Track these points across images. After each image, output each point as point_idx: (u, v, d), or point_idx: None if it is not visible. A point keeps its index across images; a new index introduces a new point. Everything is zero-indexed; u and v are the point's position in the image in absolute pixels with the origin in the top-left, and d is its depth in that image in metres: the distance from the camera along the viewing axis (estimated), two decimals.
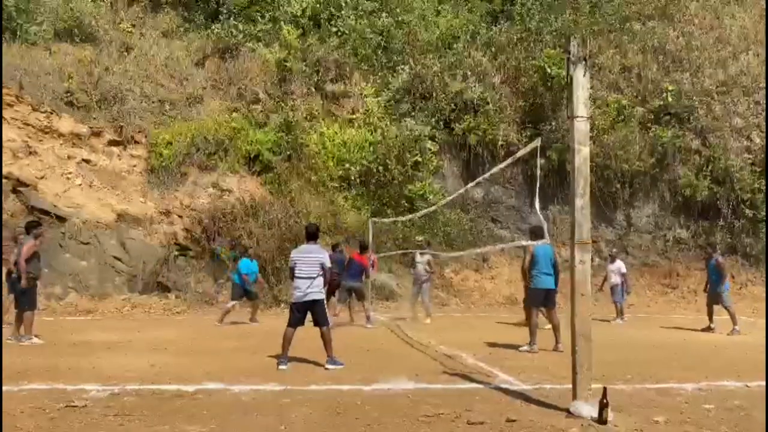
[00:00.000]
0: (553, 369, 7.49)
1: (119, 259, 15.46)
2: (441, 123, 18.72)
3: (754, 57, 20.11)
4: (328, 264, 8.04)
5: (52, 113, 16.58)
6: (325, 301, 8.11)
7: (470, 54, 19.64)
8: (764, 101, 19.11)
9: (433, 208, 14.11)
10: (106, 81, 17.89)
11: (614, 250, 15.74)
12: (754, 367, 7.73)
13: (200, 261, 16.11)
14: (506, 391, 6.44)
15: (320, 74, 19.37)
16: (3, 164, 15.19)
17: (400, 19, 20.17)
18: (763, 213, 18.15)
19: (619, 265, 13.98)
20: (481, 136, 18.36)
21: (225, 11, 20.55)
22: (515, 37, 19.92)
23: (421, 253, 13.68)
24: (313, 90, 19.14)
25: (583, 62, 5.47)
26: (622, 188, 18.77)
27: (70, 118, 16.80)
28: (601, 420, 5.13)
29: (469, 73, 19.22)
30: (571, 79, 5.47)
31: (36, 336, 9.79)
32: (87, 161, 16.55)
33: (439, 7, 21.39)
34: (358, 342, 9.98)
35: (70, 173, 16.19)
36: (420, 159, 17.99)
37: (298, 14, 20.24)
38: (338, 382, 6.88)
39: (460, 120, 18.60)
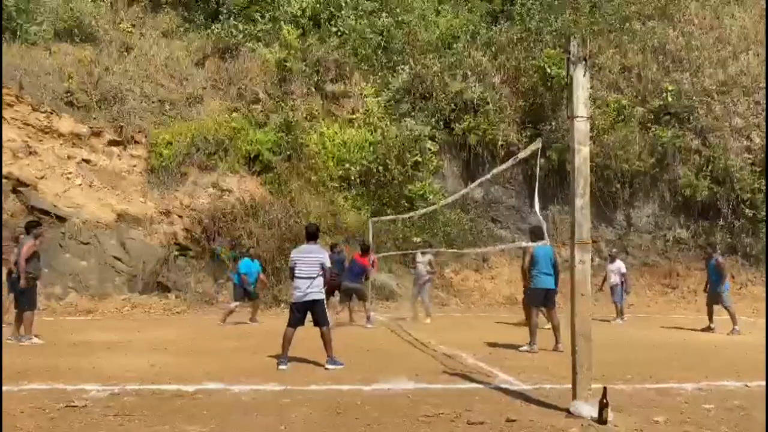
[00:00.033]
0: (553, 369, 7.49)
1: (119, 259, 15.46)
2: (441, 123, 18.72)
3: (754, 57, 20.11)
4: (328, 264, 8.04)
5: (52, 113, 16.58)
6: (325, 301, 8.12)
7: (470, 54, 19.64)
8: (764, 101, 19.10)
9: (434, 207, 14.12)
10: (106, 81, 17.89)
11: (614, 250, 15.73)
12: (754, 367, 7.73)
13: (200, 261, 16.11)
14: (506, 391, 6.43)
15: (320, 74, 19.37)
16: (3, 164, 15.19)
17: (400, 19, 20.16)
18: (763, 213, 18.15)
19: (619, 265, 13.98)
20: (481, 136, 18.36)
21: (225, 11, 20.55)
22: (515, 37, 19.92)
23: (422, 253, 13.68)
24: (313, 90, 19.14)
25: (583, 62, 5.46)
26: (622, 188, 18.77)
27: (70, 118, 16.80)
28: (601, 420, 5.13)
29: (469, 73, 19.22)
30: (571, 79, 5.47)
31: (36, 336, 9.79)
32: (87, 161, 16.56)
33: (439, 7, 21.38)
34: (358, 342, 9.98)
35: (70, 173, 16.19)
36: (420, 159, 17.99)
37: (298, 14, 20.24)
38: (338, 382, 6.88)
39: (460, 120, 18.60)
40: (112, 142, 17.04)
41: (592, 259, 5.98)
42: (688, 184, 18.52)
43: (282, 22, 19.90)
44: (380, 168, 17.65)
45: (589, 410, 5.27)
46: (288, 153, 17.54)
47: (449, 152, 18.93)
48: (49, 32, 18.91)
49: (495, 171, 8.24)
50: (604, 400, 5.14)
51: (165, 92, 18.52)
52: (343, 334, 9.95)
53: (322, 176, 17.48)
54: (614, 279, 13.72)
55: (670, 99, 19.05)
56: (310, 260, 7.89)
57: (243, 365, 7.87)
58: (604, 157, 18.05)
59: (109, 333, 10.90)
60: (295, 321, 7.94)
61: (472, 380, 7.03)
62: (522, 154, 7.16)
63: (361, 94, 18.97)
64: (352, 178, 17.65)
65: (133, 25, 20.15)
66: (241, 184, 17.03)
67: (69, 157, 16.36)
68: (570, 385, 5.55)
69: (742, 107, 19.59)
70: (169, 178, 16.85)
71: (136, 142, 17.20)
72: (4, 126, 15.60)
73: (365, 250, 12.83)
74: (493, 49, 20.01)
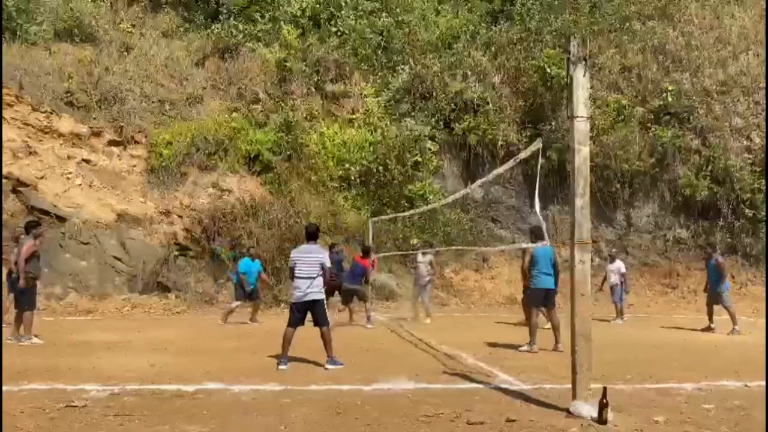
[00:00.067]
0: (553, 369, 7.49)
1: (119, 259, 15.46)
2: (441, 123, 18.72)
3: (754, 57, 20.11)
4: (328, 264, 8.04)
5: (52, 113, 16.58)
6: (325, 301, 8.12)
7: (470, 54, 19.64)
8: (764, 101, 19.11)
9: (434, 205, 14.12)
10: (106, 81, 17.89)
11: (614, 250, 15.74)
12: (754, 367, 7.73)
13: (200, 261, 16.11)
14: (506, 391, 6.44)
15: (320, 74, 19.37)
16: (3, 164, 15.19)
17: (400, 19, 20.16)
18: (763, 213, 18.15)
19: (619, 264, 13.99)
20: (481, 136, 18.36)
21: (225, 11, 20.56)
22: (515, 37, 19.91)
23: (423, 253, 13.69)
24: (313, 90, 19.14)
25: (583, 62, 5.47)
26: (622, 188, 18.77)
27: (70, 118, 16.80)
28: (601, 420, 5.13)
29: (469, 73, 19.22)
30: (571, 79, 5.47)
31: (36, 336, 9.79)
32: (87, 161, 16.56)
33: (439, 7, 21.39)
34: (358, 342, 9.98)
35: (70, 173, 16.19)
36: (420, 159, 17.99)
37: (298, 14, 20.24)
38: (338, 382, 6.88)
39: (460, 120, 18.60)
40: (112, 142, 17.04)
41: (592, 259, 5.98)
42: (688, 184, 18.52)
43: (282, 22, 19.90)
44: (380, 168, 17.65)
45: (589, 410, 5.27)
46: (288, 153, 17.55)
47: (449, 152, 18.93)
48: (49, 32, 18.91)
49: (495, 172, 8.25)
50: (604, 400, 5.14)
51: (165, 92, 18.52)
52: (343, 334, 9.95)
53: (322, 176, 17.48)
54: (614, 279, 13.72)
55: (670, 99, 19.04)
56: (310, 260, 7.89)
57: (243, 365, 7.87)
58: (604, 157, 18.05)
59: (109, 333, 10.90)
60: (295, 321, 7.94)
61: (472, 380, 7.03)
62: (522, 155, 7.16)
63: (361, 94, 18.97)
64: (352, 178, 17.66)
65: (133, 25, 20.15)
66: (241, 184, 17.04)
67: (69, 157, 16.36)
68: (570, 385, 5.55)
69: (742, 107, 19.59)
70: (169, 178, 16.85)
71: (136, 142, 17.20)
72: (4, 126, 15.60)
73: (366, 252, 12.92)
74: (493, 49, 20.00)
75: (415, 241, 15.02)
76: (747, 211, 18.25)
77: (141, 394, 6.23)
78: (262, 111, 18.46)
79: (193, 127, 17.34)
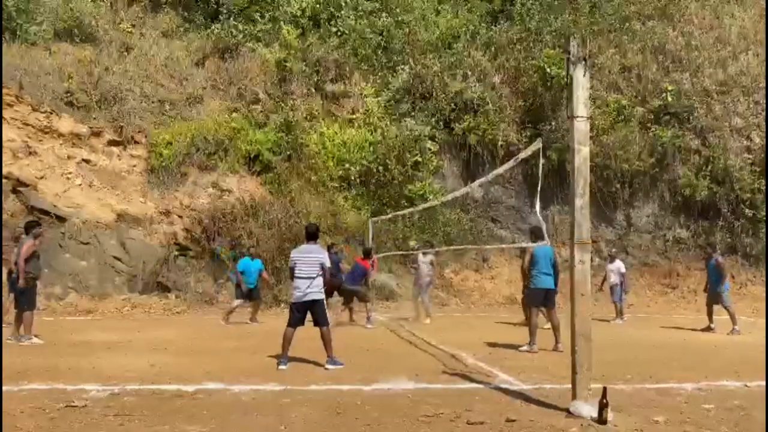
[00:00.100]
0: (553, 369, 7.49)
1: (119, 259, 15.46)
2: (441, 123, 18.72)
3: (754, 57, 20.11)
4: (328, 264, 8.04)
5: (52, 113, 16.58)
6: (325, 301, 8.12)
7: (470, 54, 19.64)
8: (764, 101, 19.11)
9: (433, 203, 14.11)
10: (106, 81, 17.88)
11: (614, 249, 15.74)
12: (754, 367, 7.73)
13: (200, 261, 16.11)
14: (506, 391, 6.44)
15: (320, 74, 19.37)
16: (3, 164, 15.19)
17: (400, 19, 20.17)
18: (763, 213, 18.15)
19: (619, 264, 13.99)
20: (481, 136, 18.36)
21: (225, 11, 20.55)
22: (515, 37, 19.92)
23: (423, 253, 13.71)
24: (313, 90, 19.14)
25: (583, 62, 5.47)
26: (622, 188, 18.77)
27: (70, 118, 16.80)
28: (601, 420, 5.13)
29: (469, 73, 19.22)
30: (571, 79, 5.47)
31: (36, 336, 9.79)
32: (87, 161, 16.56)
33: (439, 7, 21.39)
34: (358, 342, 9.98)
35: (70, 173, 16.19)
36: (420, 159, 17.99)
37: (298, 14, 20.24)
38: (338, 382, 6.88)
39: (460, 120, 18.60)
40: (112, 142, 17.04)
41: (592, 259, 5.98)
42: (687, 184, 18.52)
43: (282, 22, 19.90)
44: (380, 168, 17.65)
45: (589, 410, 5.27)
46: (288, 153, 17.54)
47: (449, 152, 18.93)
48: (49, 32, 18.90)
49: (495, 172, 8.25)
50: (604, 400, 5.14)
51: (165, 92, 18.52)
52: (343, 334, 9.95)
53: (322, 176, 17.48)
54: (614, 279, 13.72)
55: (670, 99, 19.05)
56: (310, 260, 7.89)
57: (243, 365, 7.87)
58: (604, 157, 18.05)
59: (109, 333, 10.90)
60: (295, 321, 7.94)
61: (472, 380, 7.04)
62: (522, 154, 7.17)
63: (361, 94, 18.97)
64: (352, 178, 17.66)
65: (133, 25, 20.14)
66: (241, 184, 17.03)
67: (69, 157, 16.36)
68: (570, 385, 5.55)
69: (742, 107, 19.59)
70: (169, 178, 16.85)
71: (136, 142, 17.20)
72: (4, 126, 15.60)
73: (367, 254, 13.02)
74: (493, 49, 20.01)
75: (413, 242, 15.03)
76: (747, 211, 18.25)
77: (141, 394, 6.23)
78: (262, 111, 18.46)
79: (193, 127, 17.33)
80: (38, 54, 18.13)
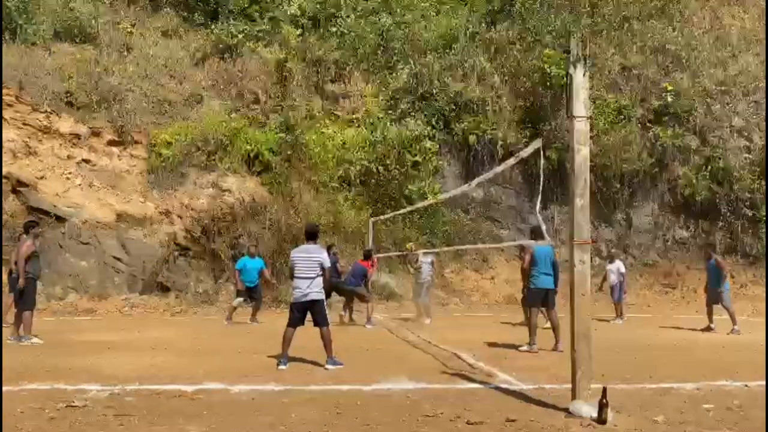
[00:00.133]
0: (553, 369, 7.48)
1: (119, 259, 15.46)
2: (441, 123, 18.73)
3: (754, 57, 20.11)
4: (328, 264, 8.03)
5: (51, 113, 16.58)
6: (324, 302, 8.11)
7: (470, 54, 19.64)
8: (764, 101, 19.11)
9: (430, 202, 14.11)
10: (106, 81, 17.87)
11: (613, 249, 15.74)
12: (754, 367, 7.72)
13: (200, 261, 16.12)
14: (506, 391, 6.43)
15: (320, 74, 19.37)
16: (3, 164, 15.19)
17: (399, 19, 20.17)
18: (763, 213, 18.16)
19: (618, 264, 13.99)
20: (481, 136, 18.37)
21: (225, 11, 20.54)
22: (515, 37, 19.92)
23: (424, 253, 13.73)
24: (313, 90, 19.14)
25: (583, 62, 5.46)
26: (622, 188, 18.78)
27: (69, 118, 16.80)
28: (601, 420, 5.13)
29: (469, 73, 19.22)
30: (571, 79, 5.47)
31: (36, 336, 9.79)
32: (87, 161, 16.56)
33: (439, 7, 21.39)
34: (358, 342, 9.98)
35: (69, 173, 16.19)
36: (420, 159, 17.99)
37: (298, 14, 20.23)
38: (338, 382, 6.88)
39: (460, 120, 18.61)
40: (112, 142, 17.04)
41: (592, 260, 5.98)
42: (687, 184, 18.53)
43: (282, 22, 19.89)
44: (380, 168, 17.66)
45: (589, 410, 5.27)
46: (288, 153, 17.53)
47: (449, 152, 18.94)
48: (49, 32, 18.89)
49: (494, 171, 8.26)
50: (604, 400, 5.14)
51: (165, 92, 18.51)
52: (343, 334, 9.95)
53: (322, 176, 17.48)
54: (614, 279, 13.72)
55: (669, 99, 19.05)
56: (310, 260, 7.89)
57: (243, 365, 7.87)
58: (604, 157, 18.04)
59: (109, 333, 10.90)
60: (295, 321, 7.94)
61: (472, 380, 7.03)
62: (522, 153, 7.18)
63: (361, 94, 18.96)
64: (352, 178, 17.66)
65: (133, 25, 20.13)
66: (241, 184, 17.03)
67: (69, 157, 16.36)
68: (570, 385, 5.55)
69: (741, 107, 19.60)
70: (169, 178, 16.85)
71: (136, 142, 17.19)
72: (4, 126, 15.60)
73: (367, 256, 13.11)
74: (493, 49, 20.01)
75: (410, 245, 15.04)
76: (747, 211, 18.26)
77: (141, 394, 6.23)
78: (262, 111, 18.46)
79: (193, 127, 17.34)
80: (38, 54, 18.12)
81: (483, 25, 20.57)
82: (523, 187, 18.75)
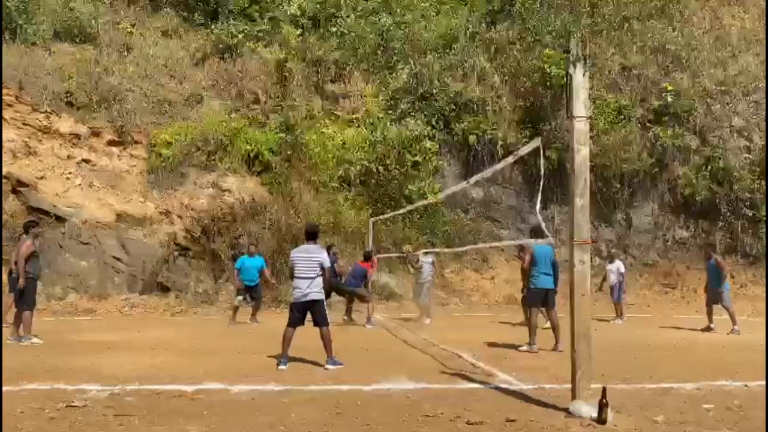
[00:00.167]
0: (553, 369, 7.48)
1: (119, 259, 15.46)
2: (441, 123, 18.73)
3: (754, 57, 20.11)
4: (328, 264, 8.03)
5: (51, 113, 16.58)
6: (324, 302, 8.11)
7: (470, 54, 19.64)
8: (764, 101, 19.12)
9: (428, 201, 14.09)
10: (106, 81, 17.86)
11: (613, 249, 15.74)
12: (754, 367, 7.72)
13: (200, 261, 16.12)
14: (506, 391, 6.44)
15: (320, 74, 19.37)
16: (3, 164, 15.19)
17: (400, 19, 20.17)
18: (763, 213, 18.16)
19: (618, 264, 13.99)
20: (481, 136, 18.37)
21: (225, 11, 20.54)
22: (515, 37, 19.92)
23: (425, 253, 13.74)
24: (313, 90, 19.14)
25: (583, 62, 5.46)
26: (622, 188, 18.78)
27: (69, 118, 16.80)
28: (601, 420, 5.13)
29: (469, 73, 19.22)
30: (571, 79, 5.47)
31: (36, 336, 9.79)
32: (87, 161, 16.56)
33: (439, 7, 21.39)
34: (358, 342, 9.98)
35: (69, 173, 16.19)
36: (420, 159, 18.00)
37: (298, 14, 20.23)
38: (338, 382, 6.88)
39: (460, 120, 18.61)
40: (112, 142, 17.04)
41: (591, 260, 5.98)
42: (687, 184, 18.53)
43: (282, 22, 19.89)
44: (380, 168, 17.66)
45: (589, 410, 5.27)
46: (288, 153, 17.53)
47: (449, 152, 18.95)
48: (49, 32, 18.89)
49: (493, 168, 8.26)
50: (604, 400, 5.14)
51: (165, 92, 18.51)
52: (343, 334, 9.95)
53: (322, 176, 17.48)
54: (613, 279, 13.73)
55: (669, 99, 19.05)
56: (310, 260, 7.89)
57: (243, 365, 7.87)
58: (604, 157, 18.04)
59: (109, 333, 10.90)
60: (295, 321, 7.94)
61: (472, 380, 7.03)
62: (521, 151, 7.18)
63: (361, 94, 18.97)
64: (352, 178, 17.67)
65: (133, 25, 20.13)
66: (241, 184, 17.02)
67: (69, 157, 16.36)
68: (570, 385, 5.55)
69: (741, 107, 19.61)
70: (169, 178, 16.85)
71: (136, 142, 17.19)
72: (4, 126, 15.60)
73: (367, 257, 13.15)
74: (493, 49, 20.01)
75: (408, 247, 15.06)
76: (747, 211, 18.26)
77: (141, 394, 6.23)
78: (262, 111, 18.46)
79: (193, 127, 17.34)
80: (38, 54, 18.12)
81: (483, 25, 20.56)
82: (523, 187, 18.75)
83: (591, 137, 6.03)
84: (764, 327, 10.72)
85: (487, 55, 19.87)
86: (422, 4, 21.14)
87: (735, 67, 19.99)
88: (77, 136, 16.68)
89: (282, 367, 7.65)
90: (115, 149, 17.01)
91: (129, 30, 19.86)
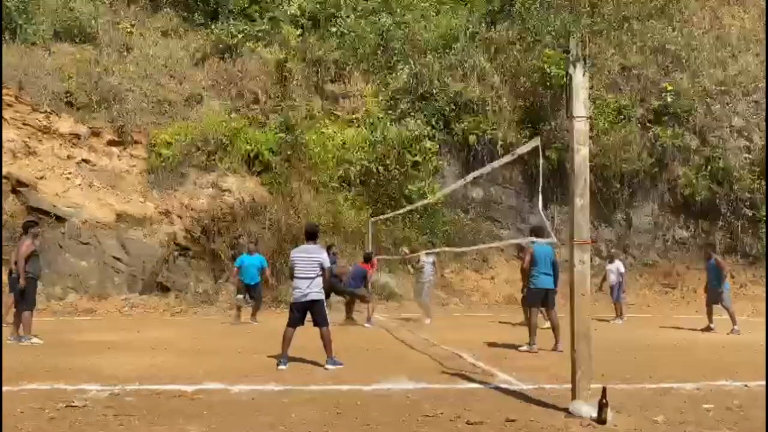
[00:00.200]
0: (552, 369, 7.48)
1: (119, 259, 15.46)
2: (441, 123, 18.73)
3: (754, 57, 20.11)
4: (328, 264, 8.03)
5: (51, 113, 16.58)
6: (324, 302, 8.12)
7: (470, 54, 19.64)
8: (764, 101, 19.12)
9: (427, 201, 14.09)
10: (106, 81, 17.86)
11: (613, 249, 15.74)
12: (754, 367, 7.73)
13: (200, 261, 16.12)
14: (506, 391, 6.44)
15: (320, 74, 19.37)
16: (3, 164, 15.19)
17: (399, 19, 20.17)
18: (763, 213, 18.16)
19: (618, 264, 13.99)
20: (481, 136, 18.37)
21: (225, 11, 20.54)
22: (515, 37, 19.92)
23: (426, 253, 13.75)
24: (313, 90, 19.14)
25: (583, 62, 5.46)
26: (622, 188, 18.78)
27: (69, 118, 16.80)
28: (601, 420, 5.13)
29: (469, 73, 19.22)
30: (571, 79, 5.47)
31: (36, 336, 9.79)
32: (86, 161, 16.56)
33: (439, 7, 21.39)
34: (358, 342, 9.98)
35: (69, 173, 16.19)
36: (420, 159, 18.00)
37: (298, 14, 20.23)
38: (338, 382, 6.88)
39: (460, 120, 18.61)
40: (112, 142, 17.04)
41: (591, 260, 5.98)
42: (687, 184, 18.53)
43: (282, 22, 19.89)
44: (380, 168, 17.66)
45: (589, 410, 5.27)
46: (288, 153, 17.53)
47: (449, 152, 18.94)
48: (48, 32, 18.89)
49: (491, 165, 8.28)
50: (604, 400, 5.14)
51: (165, 92, 18.50)
52: (343, 334, 9.95)
53: (322, 176, 17.48)
54: (613, 279, 13.73)
55: (669, 99, 19.06)
56: (310, 260, 7.89)
57: (243, 365, 7.88)
58: (604, 157, 18.04)
59: (109, 333, 10.90)
60: (295, 321, 7.94)
61: (471, 380, 7.04)
62: (520, 150, 7.19)
63: (361, 94, 18.97)
64: (352, 178, 17.67)
65: (133, 25, 20.13)
66: (241, 184, 17.03)
67: (68, 157, 16.36)
68: (570, 385, 5.55)
69: (741, 107, 19.61)
70: (169, 178, 16.85)
71: (136, 142, 17.19)
72: (4, 126, 15.60)
73: (367, 259, 13.17)
74: (493, 49, 20.01)
75: (405, 248, 15.06)
76: (747, 211, 18.26)
77: (141, 394, 6.23)
78: (262, 111, 18.46)
79: (193, 127, 17.33)
80: (38, 54, 18.12)
81: (483, 25, 20.56)
82: (523, 187, 18.75)
83: (591, 137, 6.04)
84: (764, 327, 10.72)
85: (487, 55, 19.87)
86: (422, 4, 21.13)
87: (735, 67, 19.99)
88: (77, 136, 16.68)
89: (282, 367, 7.66)
90: (115, 149, 17.01)
91: (129, 30, 19.86)
